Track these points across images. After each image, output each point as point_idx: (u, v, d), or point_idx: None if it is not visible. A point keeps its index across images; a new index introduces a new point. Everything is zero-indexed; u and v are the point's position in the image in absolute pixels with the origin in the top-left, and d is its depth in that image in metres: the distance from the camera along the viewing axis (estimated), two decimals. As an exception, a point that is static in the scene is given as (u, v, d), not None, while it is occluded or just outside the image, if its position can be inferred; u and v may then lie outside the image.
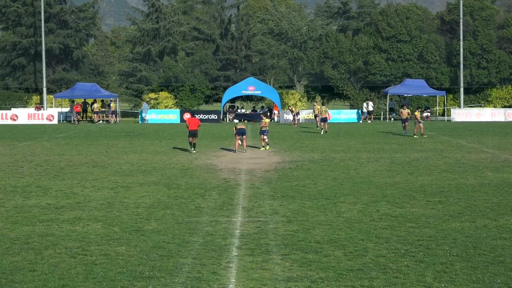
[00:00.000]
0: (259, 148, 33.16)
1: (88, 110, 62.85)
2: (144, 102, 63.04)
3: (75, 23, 75.84)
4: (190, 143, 31.57)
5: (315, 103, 56.06)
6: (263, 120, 33.64)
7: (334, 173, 24.06)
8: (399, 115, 47.04)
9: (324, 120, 44.92)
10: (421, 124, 40.84)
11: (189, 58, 71.91)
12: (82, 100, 62.00)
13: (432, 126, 52.67)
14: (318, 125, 48.65)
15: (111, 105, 61.25)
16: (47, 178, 23.17)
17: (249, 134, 41.46)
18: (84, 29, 77.57)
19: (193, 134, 31.32)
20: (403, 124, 42.81)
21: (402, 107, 45.16)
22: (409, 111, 44.67)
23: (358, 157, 29.47)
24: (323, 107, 47.32)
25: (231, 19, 75.61)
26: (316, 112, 51.64)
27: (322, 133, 43.98)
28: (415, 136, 40.14)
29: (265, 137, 33.21)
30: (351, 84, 68.94)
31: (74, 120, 58.67)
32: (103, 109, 60.67)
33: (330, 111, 62.21)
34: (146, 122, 59.58)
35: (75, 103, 60.46)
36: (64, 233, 14.53)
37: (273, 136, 39.99)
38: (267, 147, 33.05)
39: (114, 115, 60.71)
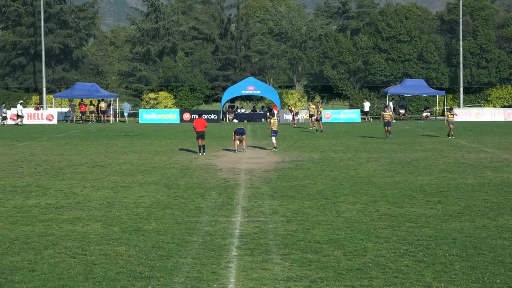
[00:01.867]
0: (272, 149, 32.67)
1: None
2: (125, 102, 63.30)
3: (74, 23, 75.84)
4: (200, 146, 30.90)
5: (310, 103, 56.36)
6: (271, 120, 33.23)
7: (334, 173, 24.06)
8: (381, 118, 41.63)
9: (319, 119, 46.03)
10: (451, 125, 39.43)
11: (188, 58, 71.90)
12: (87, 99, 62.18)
13: (432, 126, 52.69)
14: (311, 125, 49.65)
15: (101, 104, 61.26)
16: (47, 178, 23.17)
17: (249, 134, 41.45)
18: (84, 29, 77.57)
19: (200, 135, 30.65)
20: (386, 128, 39.47)
21: (383, 109, 41.79)
22: (391, 113, 40.93)
23: (358, 157, 29.48)
24: (319, 104, 48.33)
25: (230, 19, 75.60)
26: (312, 112, 52.03)
27: (318, 132, 44.44)
28: (451, 137, 38.98)
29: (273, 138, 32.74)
30: (350, 84, 68.96)
31: (76, 120, 58.66)
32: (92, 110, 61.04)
33: (329, 111, 62.41)
34: (126, 122, 60.08)
35: (78, 103, 60.48)
36: (64, 233, 14.53)
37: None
38: (273, 149, 32.57)
39: (105, 115, 60.69)
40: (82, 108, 59.55)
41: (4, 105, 60.65)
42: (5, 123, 57.10)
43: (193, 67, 70.12)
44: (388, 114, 39.41)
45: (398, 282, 10.96)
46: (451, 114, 39.76)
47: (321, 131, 45.01)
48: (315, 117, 47.40)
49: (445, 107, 64.45)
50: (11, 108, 59.89)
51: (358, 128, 50.45)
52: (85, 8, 77.14)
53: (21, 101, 59.76)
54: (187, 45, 74.18)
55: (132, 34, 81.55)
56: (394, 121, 59.46)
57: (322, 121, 48.27)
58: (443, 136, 40.07)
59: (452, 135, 39.49)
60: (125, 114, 61.91)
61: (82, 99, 61.28)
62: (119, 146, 35.39)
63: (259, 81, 63.71)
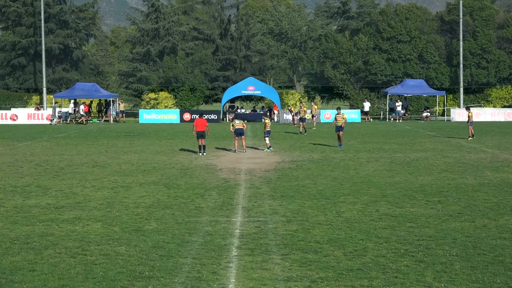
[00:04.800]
0: (263, 149, 32.68)
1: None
2: (116, 102, 63.83)
3: (75, 23, 75.86)
4: (200, 146, 30.79)
5: (312, 103, 56.28)
6: (265, 121, 33.19)
7: (334, 173, 24.06)
8: (335, 122, 34.32)
9: (303, 120, 44.94)
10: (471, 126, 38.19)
11: (188, 58, 71.93)
12: (85, 100, 62.33)
13: (432, 126, 52.70)
14: (314, 125, 49.50)
15: (121, 105, 62.20)
16: (47, 178, 23.17)
17: (249, 134, 41.47)
18: (84, 29, 77.61)
19: (200, 135, 30.49)
20: (338, 133, 33.70)
21: (337, 109, 35.70)
22: (345, 116, 34.37)
23: (358, 157, 29.47)
24: (302, 105, 47.95)
25: (230, 19, 75.63)
26: (314, 112, 52.01)
27: (303, 133, 43.67)
28: (470, 138, 38.03)
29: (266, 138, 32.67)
30: (351, 84, 68.98)
31: (82, 120, 58.85)
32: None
33: (329, 111, 62.37)
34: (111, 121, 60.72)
35: (82, 102, 60.68)
36: (64, 233, 14.53)
37: (273, 136, 39.92)
38: (266, 149, 32.51)
39: (123, 114, 61.76)
40: (85, 108, 59.68)
41: (57, 104, 60.91)
42: (56, 122, 57.45)
43: (193, 67, 70.14)
44: (341, 117, 33.69)
45: (398, 282, 10.96)
46: (470, 113, 38.43)
47: (301, 132, 44.19)
48: (300, 116, 45.71)
49: (445, 108, 64.54)
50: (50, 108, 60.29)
51: (358, 128, 50.43)
52: (85, 8, 77.17)
53: (73, 100, 60.90)
54: (187, 46, 74.21)
55: (132, 34, 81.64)
56: (399, 122, 59.34)
57: (317, 121, 47.64)
58: (439, 136, 39.92)
59: (470, 136, 38.25)
60: (114, 113, 62.04)
61: (75, 100, 61.45)
62: (119, 146, 35.39)
63: (259, 81, 63.69)
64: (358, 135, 42.78)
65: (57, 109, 58.87)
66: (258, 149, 33.29)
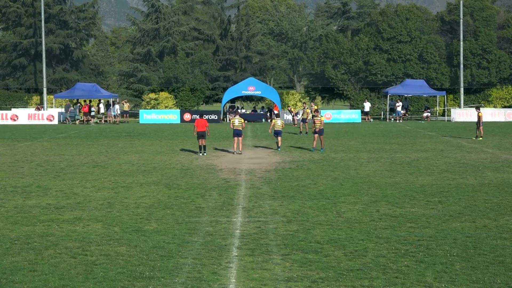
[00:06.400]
0: (274, 149, 32.66)
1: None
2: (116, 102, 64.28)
3: (75, 23, 75.98)
4: (200, 146, 30.74)
5: (312, 104, 56.23)
6: (273, 121, 33.19)
7: (334, 173, 24.06)
8: (313, 125, 32.25)
9: (304, 120, 45.21)
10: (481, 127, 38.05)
11: (189, 58, 71.99)
12: (86, 100, 62.44)
13: (432, 126, 52.70)
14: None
15: (126, 105, 62.37)
16: (47, 178, 23.17)
17: (249, 134, 41.48)
18: (84, 29, 77.75)
19: (201, 135, 30.41)
20: (320, 137, 31.81)
21: (315, 111, 33.28)
22: (323, 119, 32.16)
23: (358, 157, 29.47)
24: (305, 106, 48.04)
25: (230, 19, 75.70)
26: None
27: (303, 134, 43.75)
28: (480, 138, 37.95)
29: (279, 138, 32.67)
30: (351, 84, 68.99)
31: (81, 121, 58.83)
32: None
33: (330, 111, 62.36)
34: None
35: (80, 103, 60.77)
36: (64, 233, 14.53)
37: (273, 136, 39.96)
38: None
39: (126, 114, 62.16)
40: (84, 109, 59.72)
41: (72, 104, 60.91)
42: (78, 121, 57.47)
43: (194, 67, 70.21)
44: (319, 119, 31.70)
45: (399, 282, 10.96)
46: (480, 113, 38.32)
47: (306, 132, 44.35)
48: (301, 117, 45.93)
49: (446, 108, 64.54)
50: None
51: (359, 128, 50.45)
52: (85, 8, 77.27)
53: (103, 100, 61.60)
54: (188, 46, 74.27)
55: (132, 34, 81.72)
56: (399, 122, 59.26)
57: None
58: (439, 136, 39.93)
59: (477, 136, 38.35)
60: (113, 113, 62.34)
61: (77, 100, 61.46)
62: (119, 146, 35.39)
63: (259, 81, 63.74)
64: (359, 135, 42.80)
65: (71, 109, 58.96)
66: (266, 148, 33.34)
